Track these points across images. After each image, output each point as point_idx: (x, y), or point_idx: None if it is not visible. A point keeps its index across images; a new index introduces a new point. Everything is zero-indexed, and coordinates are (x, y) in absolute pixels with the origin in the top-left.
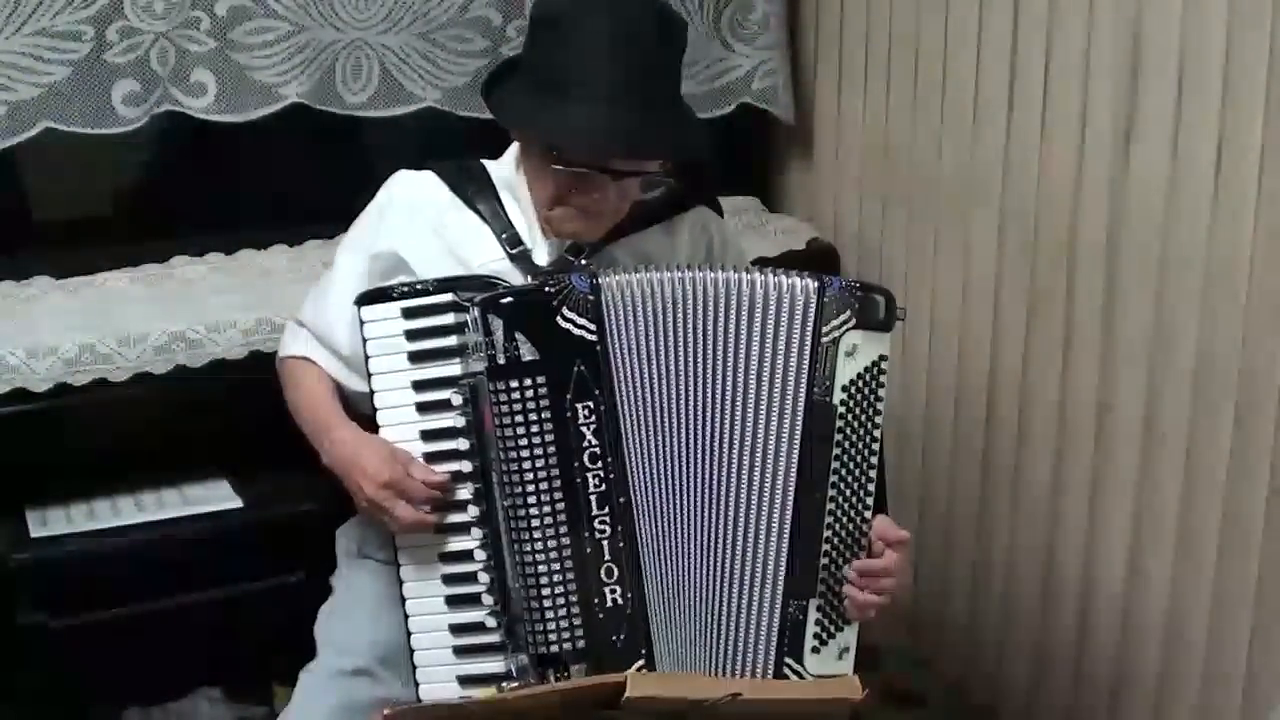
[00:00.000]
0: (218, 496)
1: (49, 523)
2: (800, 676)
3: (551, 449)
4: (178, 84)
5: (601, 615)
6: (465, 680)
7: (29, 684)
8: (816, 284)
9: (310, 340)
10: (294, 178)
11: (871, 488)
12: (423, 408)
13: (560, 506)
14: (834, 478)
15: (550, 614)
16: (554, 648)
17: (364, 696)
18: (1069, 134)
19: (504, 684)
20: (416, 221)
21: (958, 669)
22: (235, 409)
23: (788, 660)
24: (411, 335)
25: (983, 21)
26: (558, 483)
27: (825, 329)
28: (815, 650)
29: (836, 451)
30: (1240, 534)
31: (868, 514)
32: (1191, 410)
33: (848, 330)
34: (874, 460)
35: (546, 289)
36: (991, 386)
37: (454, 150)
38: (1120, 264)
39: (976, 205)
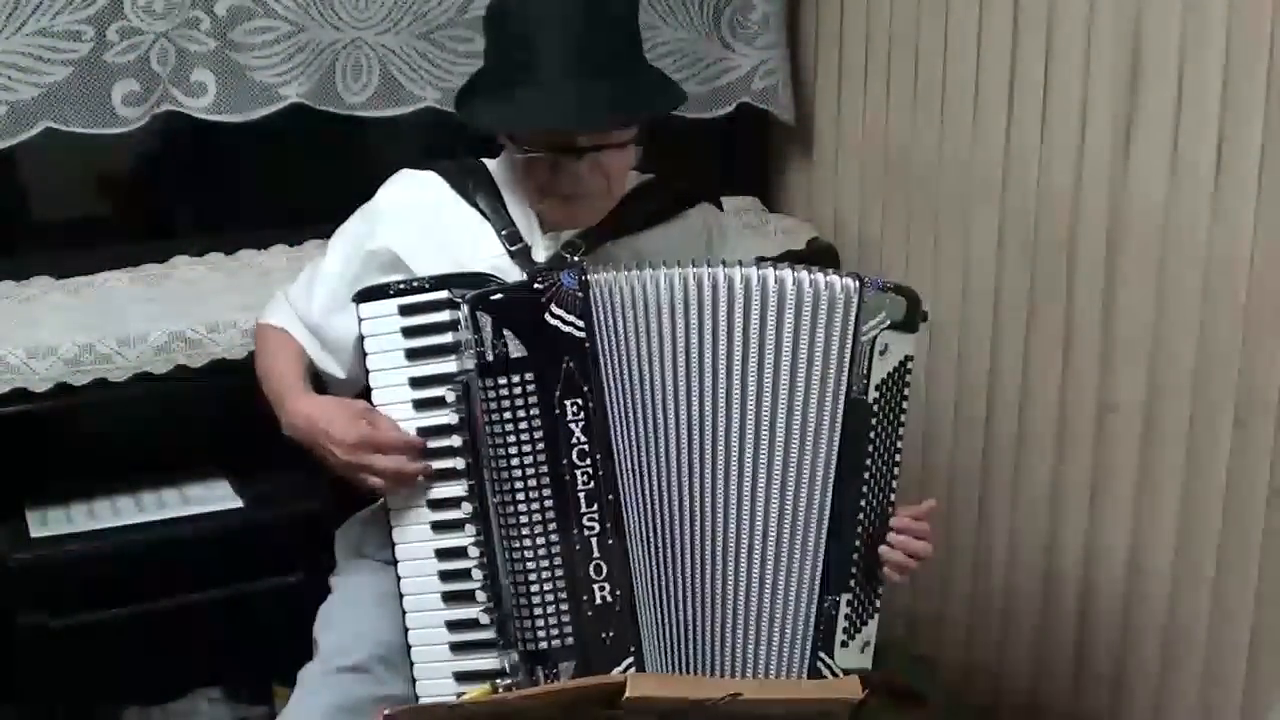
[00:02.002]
0: (218, 496)
1: (49, 523)
2: (831, 670)
3: (540, 446)
4: (178, 84)
5: (590, 612)
6: (462, 677)
7: (29, 684)
8: (857, 283)
9: (294, 319)
10: (294, 178)
11: (896, 484)
12: (419, 405)
13: (549, 503)
14: (866, 474)
15: (539, 610)
16: (542, 644)
17: (362, 695)
18: (1069, 134)
19: (499, 680)
20: (415, 221)
21: (958, 669)
22: (235, 409)
23: (821, 654)
24: (408, 332)
25: (983, 21)
26: (546, 479)
27: (864, 328)
28: (844, 644)
29: (869, 449)
30: (1240, 534)
31: (892, 509)
32: (1191, 410)
33: (883, 329)
34: (898, 457)
35: (535, 286)
36: (991, 386)
37: (454, 150)
38: (1120, 264)
39: (976, 205)
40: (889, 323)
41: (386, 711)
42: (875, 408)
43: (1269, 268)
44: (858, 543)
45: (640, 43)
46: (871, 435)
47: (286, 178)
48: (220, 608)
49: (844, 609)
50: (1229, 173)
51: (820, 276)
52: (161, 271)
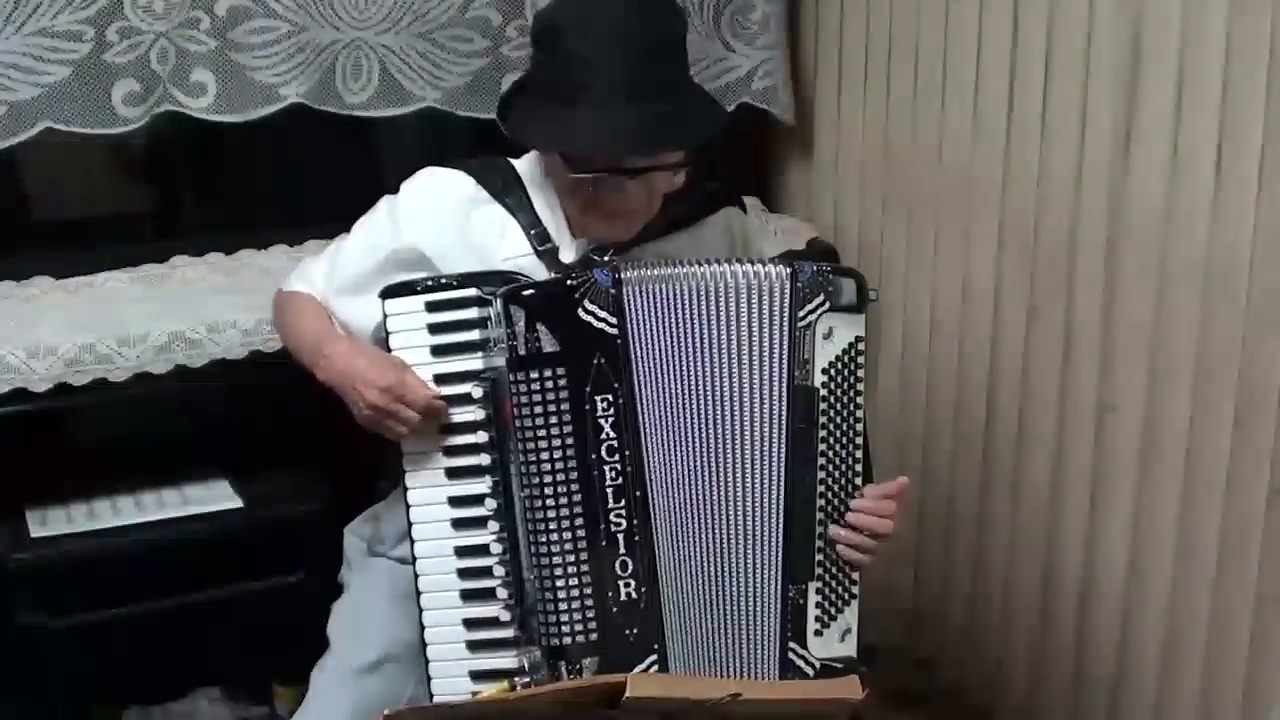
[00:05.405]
0: (218, 496)
1: (49, 523)
2: (805, 661)
3: (569, 441)
4: (178, 84)
5: (615, 609)
6: (478, 676)
7: (29, 684)
8: (788, 270)
9: (316, 293)
10: (294, 177)
11: (859, 467)
12: (443, 400)
13: (577, 499)
14: (822, 460)
15: (564, 605)
16: (566, 640)
17: (379, 695)
18: (1069, 134)
19: (516, 679)
20: (441, 218)
21: (957, 669)
22: (235, 409)
23: (791, 645)
24: (434, 329)
25: (983, 21)
26: (575, 474)
27: (801, 314)
28: (818, 633)
29: (822, 434)
30: (1240, 534)
31: (858, 494)
32: (1191, 410)
33: (823, 314)
34: (859, 441)
35: (568, 282)
36: (991, 386)
37: (454, 150)
38: (1120, 264)
39: (976, 205)
40: (829, 306)
41: (386, 712)
42: (824, 392)
43: (1269, 268)
44: (820, 529)
45: (687, 60)
46: (823, 421)
47: (286, 178)
48: (220, 608)
49: (813, 597)
50: (1229, 173)
51: (756, 267)
52: (161, 271)
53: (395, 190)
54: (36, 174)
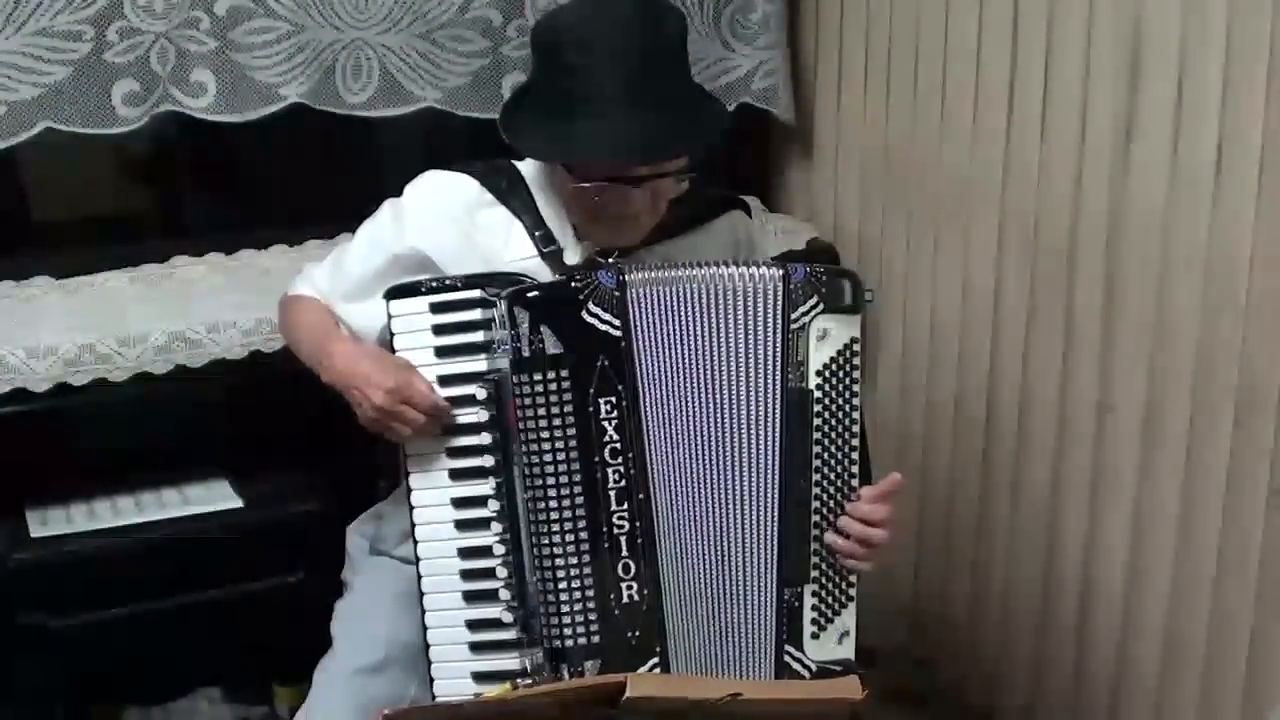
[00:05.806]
0: (218, 496)
1: (49, 523)
2: (802, 664)
3: (573, 443)
4: (178, 84)
5: (617, 611)
6: (480, 677)
7: (29, 684)
8: (781, 272)
9: (321, 296)
10: (294, 178)
11: (855, 469)
12: (448, 402)
13: (580, 500)
14: (817, 462)
15: (565, 608)
16: (568, 642)
17: (381, 695)
18: (1069, 134)
19: (518, 680)
20: (445, 220)
21: (958, 669)
22: (235, 409)
23: (788, 648)
24: (438, 330)
25: (983, 21)
26: (578, 476)
27: (794, 315)
28: (815, 636)
29: (816, 436)
30: (1240, 534)
31: (854, 496)
32: (1191, 410)
33: (816, 315)
34: (855, 442)
35: (573, 284)
36: (991, 386)
37: (455, 150)
38: (1120, 264)
39: (976, 205)
40: (823, 307)
41: (386, 712)
42: (819, 394)
43: (1269, 268)
44: (816, 532)
45: (688, 64)
46: (818, 423)
47: (286, 178)
48: (220, 608)
49: (809, 600)
50: (1229, 173)
51: (748, 269)
52: (161, 271)
53: (396, 192)
54: (36, 174)
